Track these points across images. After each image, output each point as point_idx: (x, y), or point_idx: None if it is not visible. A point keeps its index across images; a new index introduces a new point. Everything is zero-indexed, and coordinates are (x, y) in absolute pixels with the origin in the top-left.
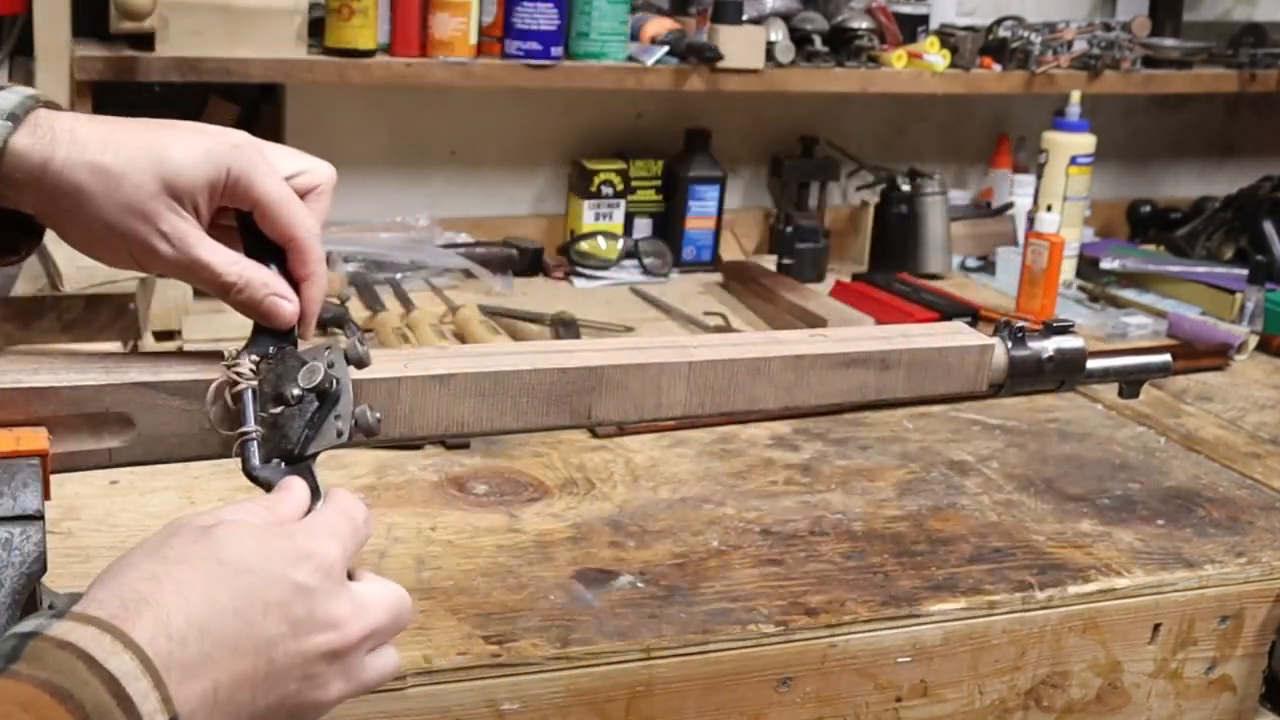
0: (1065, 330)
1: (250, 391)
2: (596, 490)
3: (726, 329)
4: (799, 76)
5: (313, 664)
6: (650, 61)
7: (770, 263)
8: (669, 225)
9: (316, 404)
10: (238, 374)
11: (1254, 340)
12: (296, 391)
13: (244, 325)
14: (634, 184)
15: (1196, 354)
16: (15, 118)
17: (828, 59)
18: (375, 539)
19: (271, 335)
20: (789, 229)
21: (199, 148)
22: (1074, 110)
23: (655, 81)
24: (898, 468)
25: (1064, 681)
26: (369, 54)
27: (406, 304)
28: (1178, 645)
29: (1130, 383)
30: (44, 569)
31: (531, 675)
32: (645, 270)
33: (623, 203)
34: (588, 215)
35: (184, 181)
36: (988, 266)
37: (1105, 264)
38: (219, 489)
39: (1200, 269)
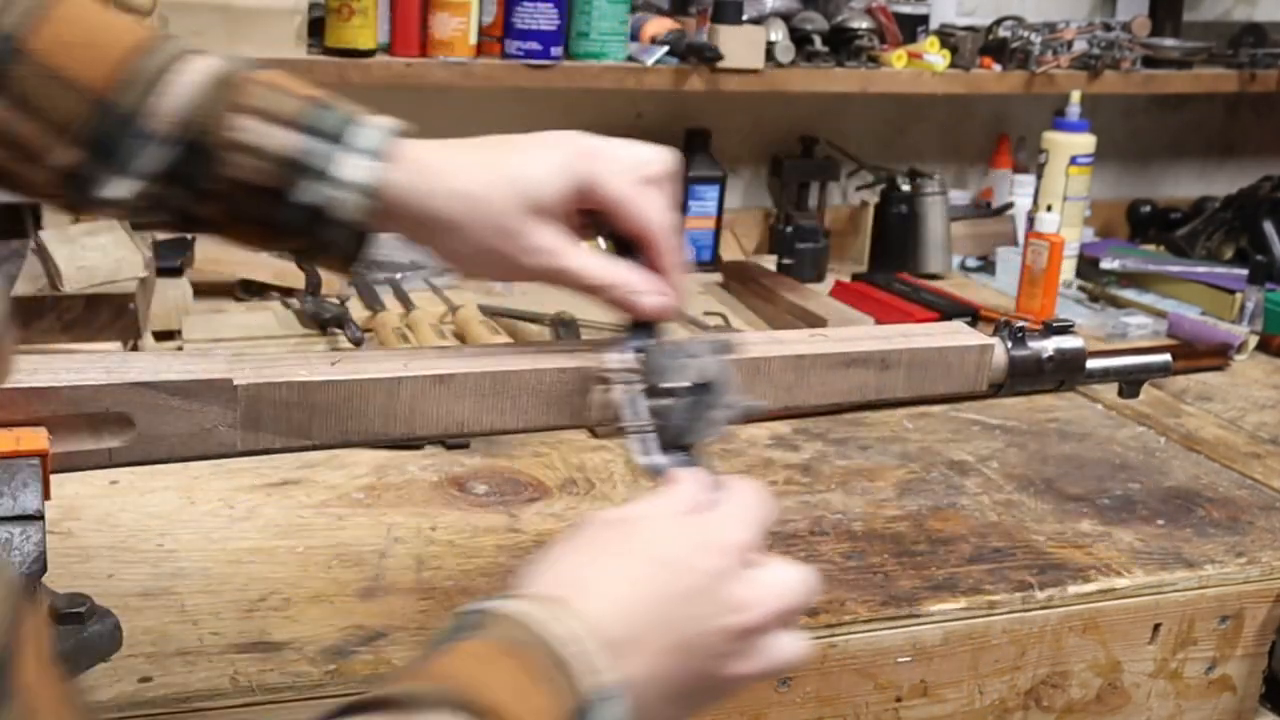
0: (1065, 330)
1: (636, 386)
2: (596, 490)
3: (727, 329)
4: (799, 76)
5: (725, 644)
6: (650, 61)
7: (770, 263)
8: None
9: (698, 394)
10: (622, 370)
11: (1254, 340)
12: (679, 385)
13: (242, 326)
14: None
15: (1196, 354)
16: (379, 155)
17: (828, 59)
18: (375, 539)
19: (641, 328)
20: (789, 229)
21: (550, 162)
22: (1074, 110)
23: (655, 81)
24: (898, 468)
25: (1064, 681)
26: (369, 54)
27: (406, 304)
28: (1178, 645)
29: (1130, 383)
30: (44, 569)
31: None
32: None
33: None
34: None
35: (543, 197)
36: (988, 266)
37: (1105, 264)
38: (219, 489)
39: (1200, 269)
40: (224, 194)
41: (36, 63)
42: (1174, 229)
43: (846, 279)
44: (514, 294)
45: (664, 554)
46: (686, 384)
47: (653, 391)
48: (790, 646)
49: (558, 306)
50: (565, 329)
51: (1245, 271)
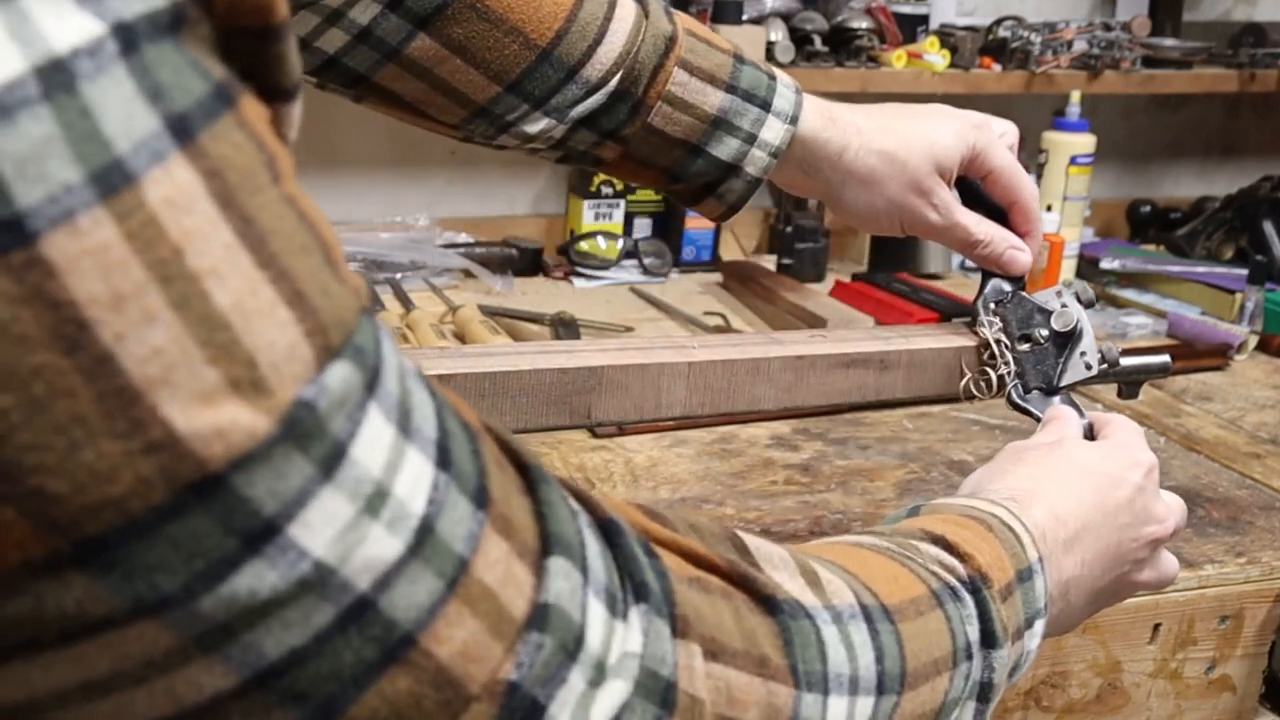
0: None
1: (1005, 334)
2: (596, 490)
3: (726, 329)
4: (799, 76)
5: (1141, 549)
6: None
7: (770, 263)
8: (669, 225)
9: (1062, 342)
10: (991, 321)
11: (1254, 340)
12: (1045, 333)
13: None
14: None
15: (1196, 354)
16: (794, 119)
17: (828, 59)
18: None
19: (1004, 281)
20: (789, 229)
21: (953, 129)
22: (1074, 110)
23: None
24: (898, 468)
25: (1064, 681)
26: None
27: (406, 304)
28: (1178, 645)
29: (1130, 383)
30: None
31: None
32: (645, 270)
33: (622, 202)
34: (587, 215)
35: (948, 160)
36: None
37: (1105, 264)
38: None
39: (1200, 269)
40: (635, 138)
41: (477, 7)
42: (1174, 229)
43: (846, 279)
44: (514, 294)
45: (1097, 468)
46: (1050, 333)
47: (1017, 338)
48: (1174, 562)
49: (558, 306)
50: (565, 329)
51: (1245, 271)
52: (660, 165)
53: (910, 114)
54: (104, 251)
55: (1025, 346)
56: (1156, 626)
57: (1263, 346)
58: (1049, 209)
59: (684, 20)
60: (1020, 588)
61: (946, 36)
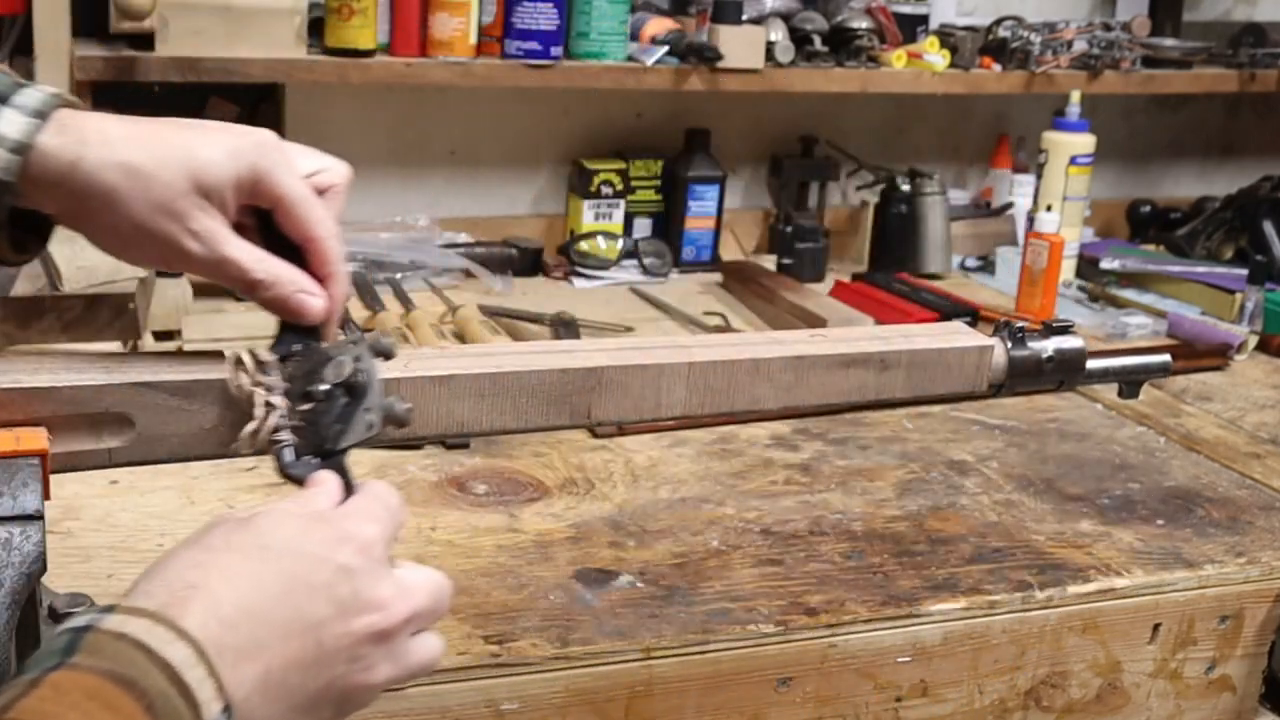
0: (1065, 330)
1: (280, 392)
2: (596, 490)
3: (726, 329)
4: (799, 76)
5: (359, 645)
6: (650, 61)
7: (770, 263)
8: (669, 225)
9: (346, 398)
10: (263, 376)
11: (1254, 340)
12: (325, 387)
13: (242, 326)
14: (634, 184)
15: (1196, 354)
16: (42, 115)
17: (828, 59)
18: None
19: (297, 332)
20: (789, 229)
21: (225, 146)
22: (1074, 110)
23: (655, 81)
24: (898, 468)
25: (1064, 681)
26: (369, 54)
27: (406, 304)
28: (1177, 645)
29: (1130, 383)
30: (44, 569)
31: (531, 675)
32: (645, 270)
33: (622, 203)
34: (587, 215)
35: (212, 179)
36: (987, 266)
37: (1105, 264)
38: (219, 489)
39: (1200, 269)
40: None
41: None
42: (1174, 229)
43: (846, 279)
44: (514, 294)
45: (288, 548)
46: (330, 388)
47: (298, 395)
48: (430, 647)
49: (558, 306)
50: (565, 329)
51: (1245, 271)
52: None
53: (179, 126)
54: None
55: (309, 405)
56: (1156, 626)
57: (1263, 346)
58: (1049, 209)
59: None
60: None
61: (946, 36)
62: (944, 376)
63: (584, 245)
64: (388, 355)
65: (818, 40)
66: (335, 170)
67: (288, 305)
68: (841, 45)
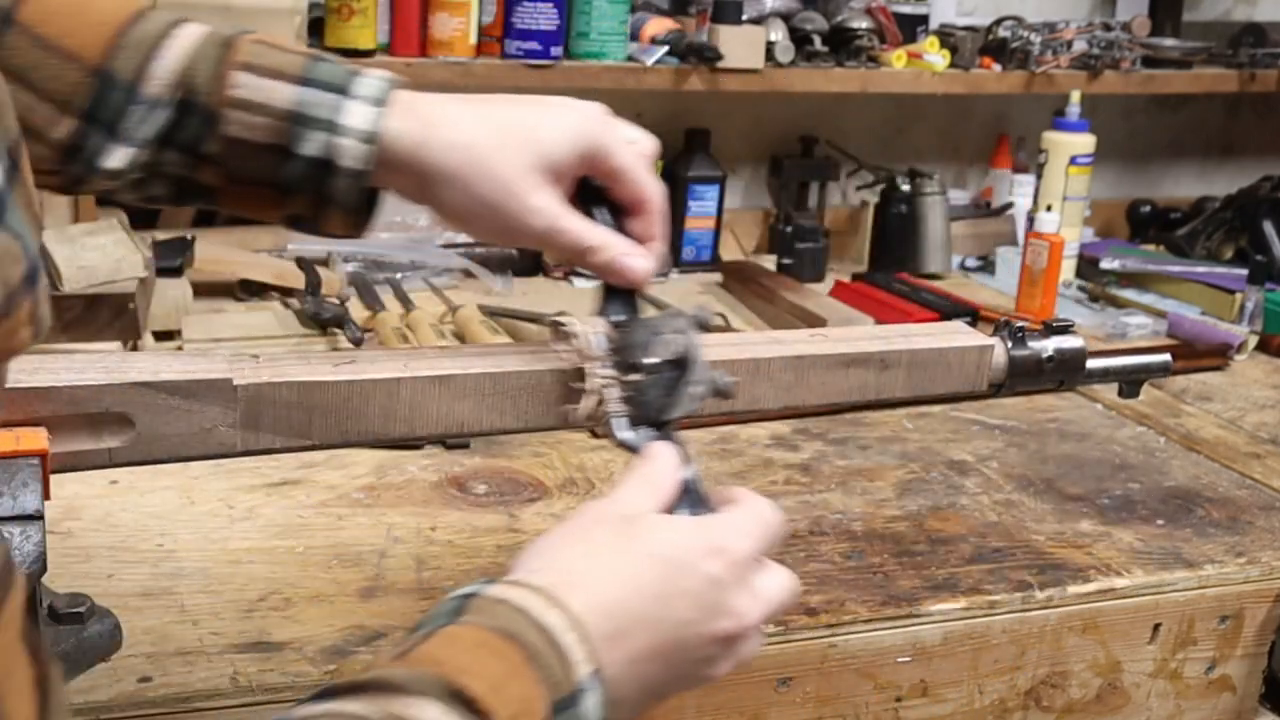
0: (1065, 330)
1: (609, 363)
2: (596, 490)
3: (726, 329)
4: (799, 76)
5: (711, 646)
6: (650, 61)
7: (770, 263)
8: (669, 225)
9: (673, 371)
10: (591, 344)
11: (1254, 340)
12: (653, 361)
13: (242, 326)
14: None
15: (1196, 354)
16: (381, 102)
17: (828, 59)
18: (375, 539)
19: (618, 298)
20: (789, 229)
21: (565, 124)
22: (1074, 110)
23: (655, 81)
24: (898, 468)
25: (1064, 681)
26: (369, 54)
27: (406, 304)
28: (1178, 645)
29: (1130, 383)
30: (44, 569)
31: None
32: None
33: None
34: None
35: (554, 157)
36: (987, 266)
37: (1105, 264)
38: (219, 489)
39: (1200, 269)
40: (224, 156)
41: (29, 34)
42: (1174, 229)
43: (846, 279)
44: (514, 294)
45: (668, 555)
46: (659, 360)
47: (627, 367)
48: (756, 646)
49: (558, 306)
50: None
51: (1245, 271)
52: (261, 179)
53: (517, 104)
54: None
55: (636, 376)
56: (1156, 626)
57: (1263, 346)
58: (1049, 209)
59: (261, 35)
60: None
61: (946, 36)
62: (944, 376)
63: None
64: (707, 328)
65: (818, 40)
66: (645, 142)
67: (615, 268)
68: (841, 45)
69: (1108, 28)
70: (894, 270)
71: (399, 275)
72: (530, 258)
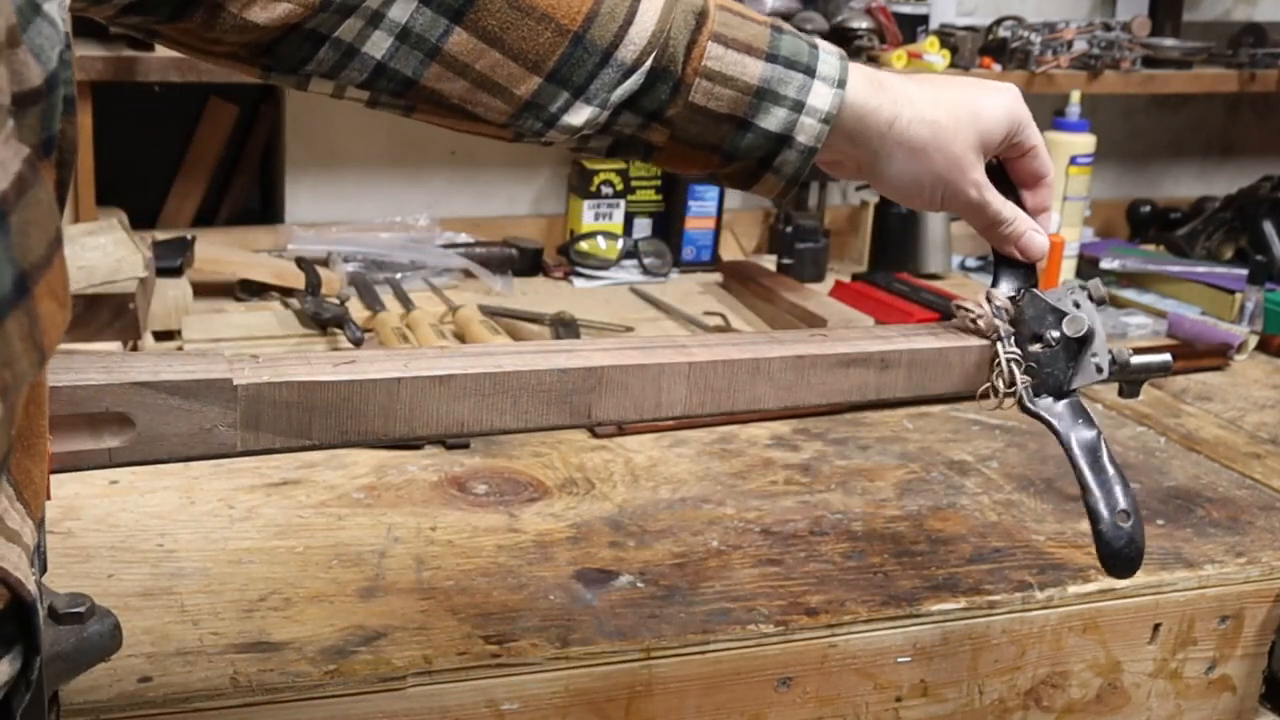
0: None
1: (1011, 337)
2: (596, 490)
3: (726, 329)
4: None
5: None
6: None
7: (770, 263)
8: (669, 225)
9: (1074, 344)
10: (998, 319)
11: (1254, 340)
12: (1057, 334)
13: (242, 326)
14: (634, 184)
15: (1196, 354)
16: (842, 84)
17: None
18: (375, 539)
19: (1013, 270)
20: (789, 229)
21: (1000, 104)
22: (1074, 110)
23: None
24: (898, 468)
25: (1064, 681)
26: None
27: (406, 304)
28: (1178, 645)
29: (1130, 383)
30: (44, 569)
31: (531, 675)
32: (645, 270)
33: (622, 202)
34: (587, 215)
35: (993, 135)
36: (988, 266)
37: (1105, 264)
38: (219, 489)
39: (1200, 269)
40: (679, 119)
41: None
42: (1174, 229)
43: (846, 279)
44: (514, 294)
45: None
46: (1062, 336)
47: (1027, 338)
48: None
49: (558, 306)
50: (565, 329)
51: (1245, 271)
52: (710, 144)
53: (955, 85)
54: None
55: (1036, 347)
56: (1156, 626)
57: (1263, 346)
58: None
59: (722, 0)
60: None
61: (946, 36)
62: (944, 376)
63: (584, 245)
64: (1101, 302)
65: None
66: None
67: (1020, 242)
68: (841, 45)
69: (1108, 28)
70: (894, 270)
71: (399, 275)
72: (530, 258)
